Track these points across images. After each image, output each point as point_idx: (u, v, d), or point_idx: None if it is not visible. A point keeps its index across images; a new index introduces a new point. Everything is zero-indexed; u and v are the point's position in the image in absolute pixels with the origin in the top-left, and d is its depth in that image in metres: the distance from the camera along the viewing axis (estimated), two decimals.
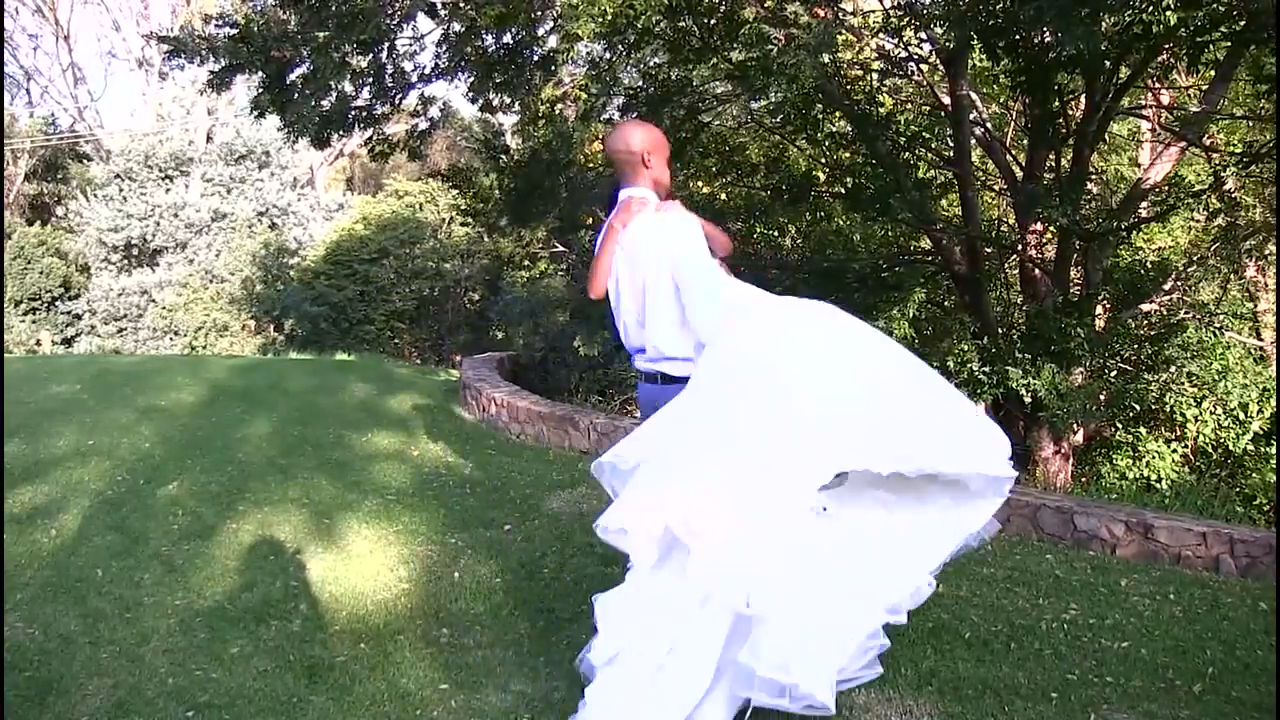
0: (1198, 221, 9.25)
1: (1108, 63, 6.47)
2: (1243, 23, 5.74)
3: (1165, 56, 6.65)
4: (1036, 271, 7.56)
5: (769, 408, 2.51)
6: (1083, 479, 7.52)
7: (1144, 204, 7.33)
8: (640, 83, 8.41)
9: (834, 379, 2.60)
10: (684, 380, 2.76)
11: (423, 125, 8.49)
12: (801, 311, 2.82)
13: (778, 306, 2.86)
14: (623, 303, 2.96)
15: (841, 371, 2.63)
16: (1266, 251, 8.91)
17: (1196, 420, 7.96)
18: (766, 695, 2.31)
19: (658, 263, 2.81)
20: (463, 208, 11.33)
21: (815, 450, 2.43)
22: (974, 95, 8.06)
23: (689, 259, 2.78)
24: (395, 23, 6.81)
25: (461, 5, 6.92)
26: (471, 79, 7.78)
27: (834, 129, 8.22)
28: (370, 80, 7.45)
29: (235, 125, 22.35)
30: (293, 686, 3.09)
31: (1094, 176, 8.78)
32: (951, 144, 7.80)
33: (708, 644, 2.43)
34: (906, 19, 6.96)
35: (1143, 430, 7.95)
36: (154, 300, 20.58)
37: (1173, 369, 7.68)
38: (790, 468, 2.42)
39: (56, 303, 21.70)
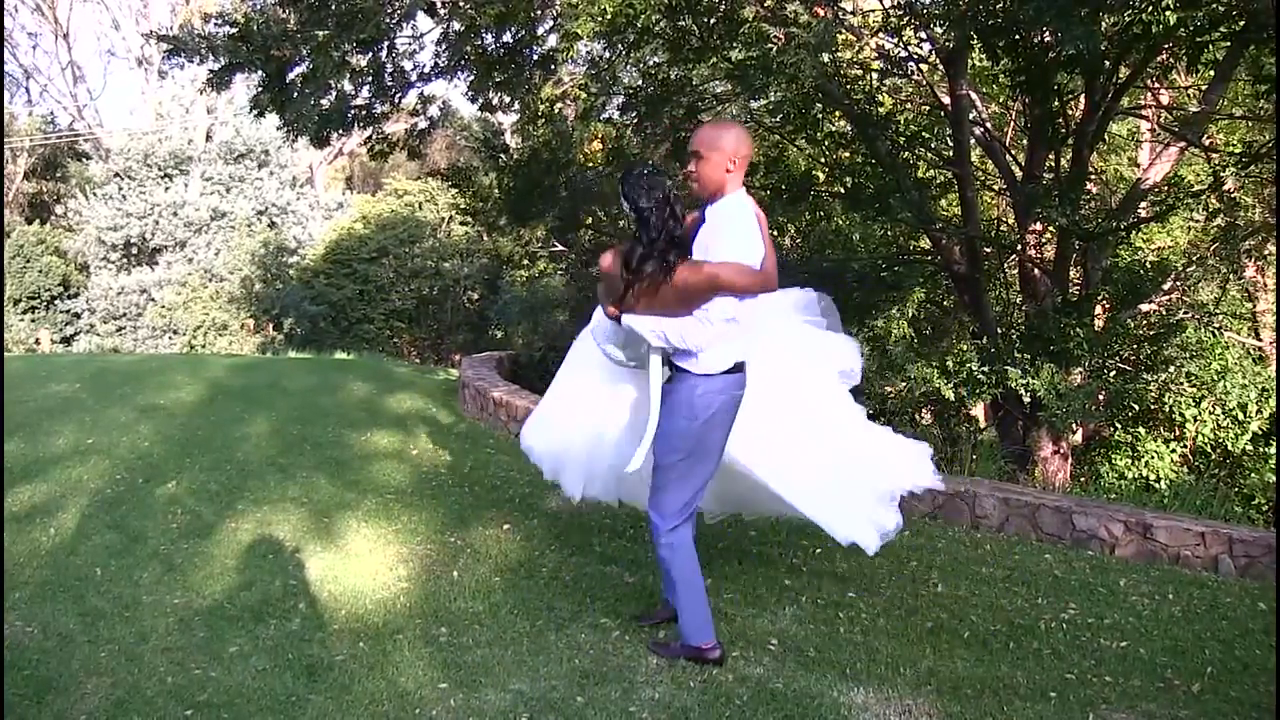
0: (1197, 222, 9.26)
1: (1107, 63, 6.47)
2: (1242, 23, 5.75)
3: (1165, 56, 6.65)
4: (1036, 271, 7.56)
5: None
6: (1081, 479, 7.51)
7: (1143, 204, 7.34)
8: (640, 82, 8.41)
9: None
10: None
11: (422, 124, 8.49)
12: None
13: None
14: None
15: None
16: (1265, 252, 8.92)
17: (1195, 420, 7.95)
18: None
19: None
20: (462, 207, 11.33)
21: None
22: (974, 95, 8.05)
23: None
24: (395, 21, 6.79)
25: (461, 4, 6.91)
26: (471, 78, 7.78)
27: (833, 128, 8.23)
28: (370, 79, 7.45)
29: (234, 124, 22.36)
30: (291, 685, 3.09)
31: (1093, 176, 8.79)
32: (951, 144, 7.80)
33: None
34: (906, 18, 6.96)
35: (1141, 430, 7.95)
36: (153, 299, 20.58)
37: (1172, 369, 7.67)
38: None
39: (56, 301, 21.71)
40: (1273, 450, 7.90)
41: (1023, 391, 6.81)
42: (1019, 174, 7.55)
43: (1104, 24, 5.82)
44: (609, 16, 5.70)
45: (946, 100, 7.58)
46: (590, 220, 10.10)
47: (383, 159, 8.77)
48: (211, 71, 6.93)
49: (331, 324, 19.32)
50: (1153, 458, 7.71)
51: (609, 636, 3.49)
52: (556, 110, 9.05)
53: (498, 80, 7.76)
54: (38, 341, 20.67)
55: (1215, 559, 4.43)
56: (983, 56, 7.17)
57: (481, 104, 8.41)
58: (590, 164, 9.53)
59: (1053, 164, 7.24)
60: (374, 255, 20.06)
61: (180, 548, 4.42)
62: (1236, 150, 7.82)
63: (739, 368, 3.15)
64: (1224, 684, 3.18)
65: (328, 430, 7.05)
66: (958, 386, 7.04)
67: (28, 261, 21.40)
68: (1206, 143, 7.99)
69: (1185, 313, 8.39)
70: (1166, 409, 7.92)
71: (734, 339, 3.10)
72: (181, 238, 21.27)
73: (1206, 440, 8.04)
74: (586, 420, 3.53)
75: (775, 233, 9.96)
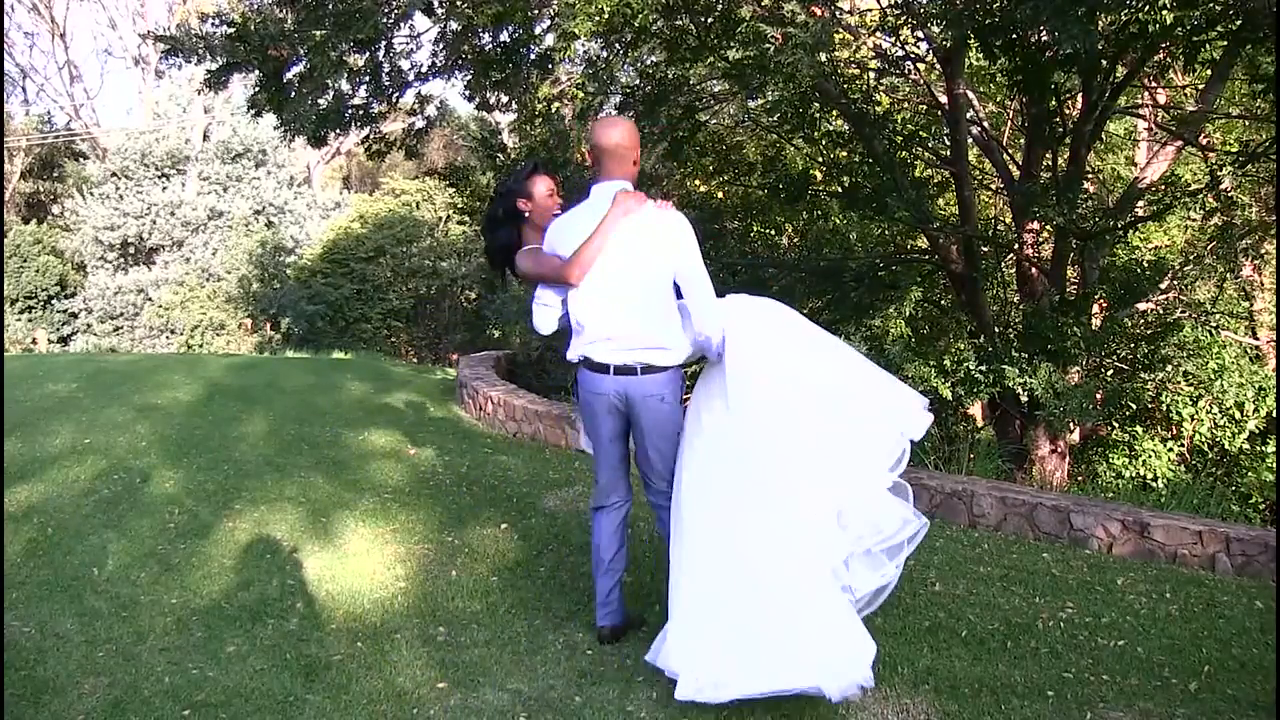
0: (1194, 220, 9.26)
1: (1104, 62, 6.47)
2: (1239, 22, 5.76)
3: (1162, 56, 6.65)
4: (1033, 270, 7.56)
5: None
6: (1079, 478, 7.52)
7: (1140, 203, 7.34)
8: (637, 81, 8.40)
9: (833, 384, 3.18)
10: (669, 369, 3.18)
11: (419, 124, 8.48)
12: (771, 315, 3.33)
13: (752, 312, 3.29)
14: (611, 289, 3.12)
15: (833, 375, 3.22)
16: (1262, 251, 8.91)
17: (1192, 419, 7.96)
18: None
19: (663, 255, 3.10)
20: (459, 206, 11.32)
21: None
22: (971, 94, 8.06)
23: (698, 257, 3.13)
24: (392, 21, 6.79)
25: (458, 4, 6.91)
26: (468, 77, 7.78)
27: (831, 128, 8.22)
28: (367, 78, 7.44)
29: (232, 124, 22.34)
30: (289, 685, 3.08)
31: (1090, 175, 8.79)
32: (948, 143, 7.80)
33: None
34: (903, 17, 6.96)
35: (1139, 429, 7.95)
36: (150, 299, 20.56)
37: (1169, 368, 7.68)
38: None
39: (53, 301, 21.68)
40: (1270, 449, 7.92)
41: (1020, 390, 6.82)
42: (1016, 173, 7.55)
43: (1101, 23, 5.82)
44: (606, 16, 5.69)
45: (944, 99, 7.58)
46: None
47: (380, 158, 8.76)
48: (209, 71, 6.92)
49: (329, 323, 19.30)
50: (1150, 456, 7.71)
51: None
52: (554, 109, 9.04)
53: (495, 79, 7.75)
54: (34, 341, 20.64)
55: (1212, 557, 4.44)
56: (980, 55, 7.16)
57: (479, 103, 8.41)
58: (588, 163, 9.50)
59: (1050, 163, 7.24)
60: (371, 255, 20.04)
61: (177, 547, 4.42)
62: (1233, 149, 7.83)
63: (586, 363, 3.26)
64: (1221, 682, 3.19)
65: (325, 430, 7.05)
66: (955, 385, 7.05)
67: (25, 261, 21.37)
68: (1203, 142, 8.00)
69: (1182, 312, 8.38)
70: (1164, 408, 7.93)
71: (577, 331, 3.25)
72: (179, 237, 21.26)
73: (1204, 439, 8.05)
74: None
75: (773, 232, 9.98)
